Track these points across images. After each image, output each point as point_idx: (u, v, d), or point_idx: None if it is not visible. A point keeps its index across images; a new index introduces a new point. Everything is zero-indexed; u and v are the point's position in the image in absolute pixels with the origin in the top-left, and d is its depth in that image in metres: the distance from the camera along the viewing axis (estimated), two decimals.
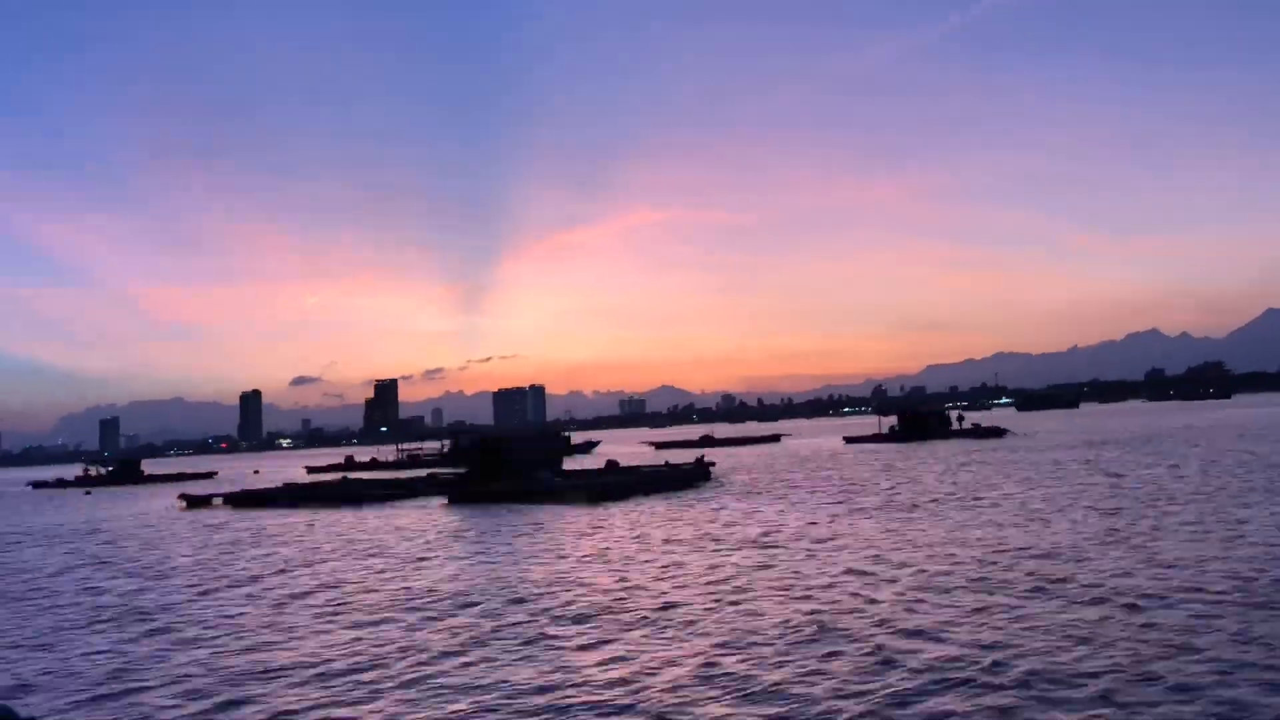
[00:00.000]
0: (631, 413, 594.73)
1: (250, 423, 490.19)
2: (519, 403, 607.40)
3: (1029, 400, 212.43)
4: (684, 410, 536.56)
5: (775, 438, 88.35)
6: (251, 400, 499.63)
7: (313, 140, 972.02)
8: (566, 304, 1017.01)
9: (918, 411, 73.64)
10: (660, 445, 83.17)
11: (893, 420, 72.07)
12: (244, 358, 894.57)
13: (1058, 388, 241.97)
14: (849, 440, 71.72)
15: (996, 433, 69.77)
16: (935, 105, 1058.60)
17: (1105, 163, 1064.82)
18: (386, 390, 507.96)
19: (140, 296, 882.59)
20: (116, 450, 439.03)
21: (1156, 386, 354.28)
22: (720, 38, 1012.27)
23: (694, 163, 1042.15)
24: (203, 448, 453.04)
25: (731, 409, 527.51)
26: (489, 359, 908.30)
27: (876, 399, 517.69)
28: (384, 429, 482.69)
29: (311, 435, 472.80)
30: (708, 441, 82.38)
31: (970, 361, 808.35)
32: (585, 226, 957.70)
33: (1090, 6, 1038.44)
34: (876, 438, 69.72)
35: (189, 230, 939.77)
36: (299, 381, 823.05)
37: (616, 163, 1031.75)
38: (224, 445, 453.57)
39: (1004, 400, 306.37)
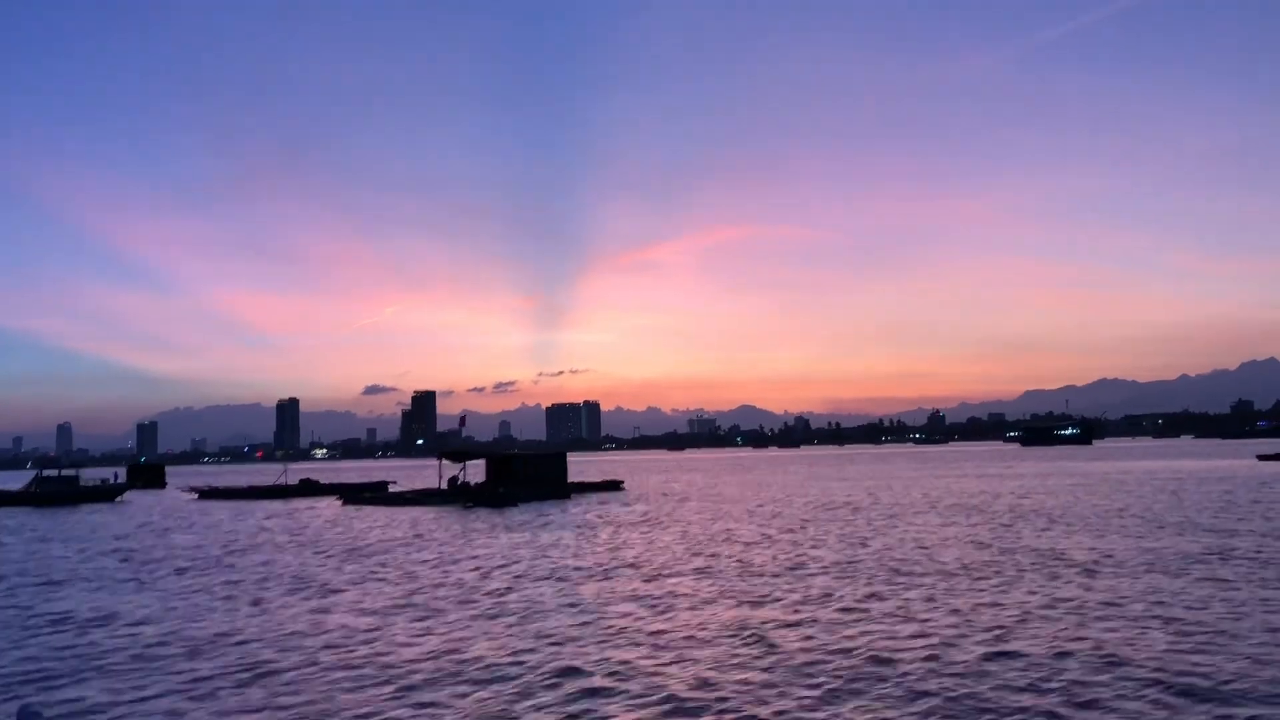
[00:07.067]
0: (704, 432, 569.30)
1: (287, 430, 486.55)
2: (572, 419, 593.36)
3: (1032, 433, 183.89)
4: (716, 433, 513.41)
5: (383, 485, 62.69)
6: (288, 408, 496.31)
7: (393, 156, 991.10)
8: (644, 320, 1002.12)
9: (501, 456, 51.25)
10: (202, 494, 61.76)
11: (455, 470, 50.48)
12: (320, 366, 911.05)
13: (1047, 417, 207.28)
14: (346, 501, 50.09)
15: (613, 486, 52.63)
16: (1032, 117, 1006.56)
17: (1221, 179, 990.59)
18: (424, 402, 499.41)
19: (221, 303, 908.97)
20: (153, 456, 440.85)
21: (1239, 420, 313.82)
22: (802, 51, 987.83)
23: (775, 178, 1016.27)
24: (239, 456, 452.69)
25: (796, 432, 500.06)
26: (560, 373, 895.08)
27: (932, 426, 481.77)
28: (420, 441, 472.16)
29: (347, 447, 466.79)
30: (305, 488, 61.95)
31: (1071, 388, 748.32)
32: (663, 243, 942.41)
33: (1204, 19, 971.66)
34: (415, 496, 48.34)
35: (270, 241, 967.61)
36: (371, 390, 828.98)
37: (696, 179, 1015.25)
38: (259, 454, 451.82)
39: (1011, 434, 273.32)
